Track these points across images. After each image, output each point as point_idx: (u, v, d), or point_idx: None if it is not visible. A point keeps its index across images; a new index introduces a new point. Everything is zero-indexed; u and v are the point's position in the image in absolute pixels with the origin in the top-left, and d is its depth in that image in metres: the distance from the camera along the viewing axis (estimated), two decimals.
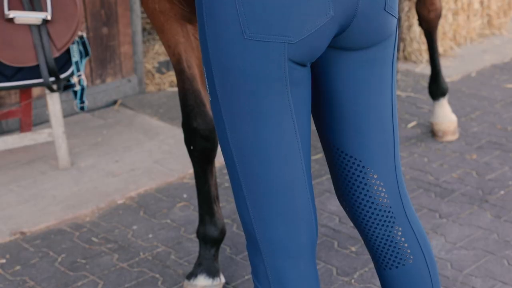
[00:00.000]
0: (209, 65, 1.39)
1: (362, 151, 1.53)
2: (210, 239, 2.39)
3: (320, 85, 1.51)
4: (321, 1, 1.32)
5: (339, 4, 1.34)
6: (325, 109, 1.53)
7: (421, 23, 3.61)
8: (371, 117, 1.51)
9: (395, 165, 1.56)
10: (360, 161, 1.53)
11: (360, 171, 1.54)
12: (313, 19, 1.33)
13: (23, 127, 3.33)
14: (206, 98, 2.27)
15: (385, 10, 1.43)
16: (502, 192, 3.07)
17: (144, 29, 5.10)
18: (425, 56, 4.84)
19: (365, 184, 1.54)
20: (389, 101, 1.53)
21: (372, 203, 1.55)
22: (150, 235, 2.79)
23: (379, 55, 1.48)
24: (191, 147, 2.30)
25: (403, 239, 1.56)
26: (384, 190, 1.55)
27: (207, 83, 1.42)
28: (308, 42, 1.34)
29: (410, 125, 3.81)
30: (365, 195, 1.55)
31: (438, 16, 3.55)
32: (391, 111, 1.53)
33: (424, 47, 4.83)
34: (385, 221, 1.56)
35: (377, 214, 1.56)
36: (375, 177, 1.54)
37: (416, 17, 4.78)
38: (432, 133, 3.65)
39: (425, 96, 4.19)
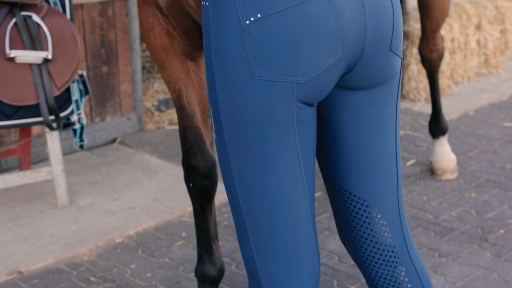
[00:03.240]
0: (216, 104, 1.39)
1: (366, 190, 1.53)
2: (208, 278, 2.37)
3: (324, 123, 1.51)
4: (329, 41, 1.33)
5: (347, 44, 1.35)
6: (328, 147, 1.53)
7: (423, 63, 3.65)
8: (375, 156, 1.51)
9: (399, 204, 1.55)
10: (363, 200, 1.53)
11: (364, 210, 1.53)
12: (321, 59, 1.34)
13: (23, 166, 3.33)
14: (206, 135, 2.27)
15: (390, 50, 1.44)
16: (501, 231, 3.06)
17: (144, 68, 5.14)
18: (423, 94, 4.87)
19: (368, 223, 1.54)
20: (393, 140, 1.53)
21: (376, 242, 1.54)
22: (149, 274, 2.78)
23: (383, 95, 1.49)
24: (191, 185, 2.30)
25: (406, 279, 1.55)
26: (387, 229, 1.54)
27: (213, 122, 1.42)
28: (316, 82, 1.35)
29: (409, 163, 3.81)
30: (369, 234, 1.54)
31: (440, 56, 3.60)
32: (394, 150, 1.53)
33: (422, 85, 4.86)
34: (388, 261, 1.55)
35: (381, 254, 1.55)
36: (379, 216, 1.53)
37: (414, 55, 4.83)
38: (431, 171, 3.65)
39: (424, 134, 4.21)
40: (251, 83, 1.33)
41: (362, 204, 1.53)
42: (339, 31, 1.33)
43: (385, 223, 1.53)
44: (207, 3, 1.37)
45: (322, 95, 1.39)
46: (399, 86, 1.52)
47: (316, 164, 1.53)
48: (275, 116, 1.35)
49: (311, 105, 1.39)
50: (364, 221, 1.54)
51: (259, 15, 1.30)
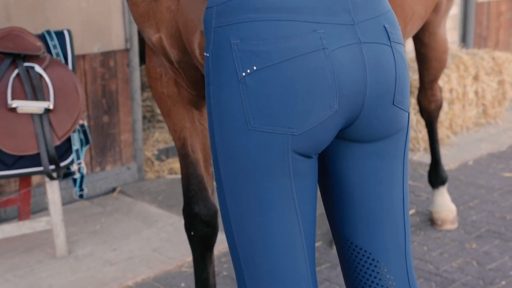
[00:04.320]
0: (215, 152, 1.41)
1: (373, 244, 1.51)
2: None
3: (330, 176, 1.51)
4: (325, 94, 1.34)
5: (344, 98, 1.36)
6: (335, 200, 1.52)
7: (422, 113, 3.68)
8: (383, 210, 1.50)
9: (406, 259, 1.53)
10: (370, 253, 1.51)
11: (370, 264, 1.52)
12: (317, 112, 1.34)
13: (22, 215, 3.32)
14: (208, 183, 2.28)
15: (394, 104, 1.43)
16: (503, 283, 3.04)
17: (144, 117, 5.17)
18: (423, 144, 4.89)
19: (375, 277, 1.52)
20: (400, 194, 1.52)
21: None
22: None
23: (389, 148, 1.47)
24: (192, 233, 2.29)
25: None
26: (394, 284, 1.52)
27: (214, 168, 1.44)
28: (312, 134, 1.35)
29: (409, 213, 3.80)
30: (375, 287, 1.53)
31: (439, 107, 3.63)
32: (402, 204, 1.52)
33: (421, 135, 4.88)
34: None
35: None
36: (385, 270, 1.51)
37: (412, 105, 4.86)
38: (431, 221, 3.64)
39: (423, 184, 4.20)
40: (246, 133, 1.34)
41: (368, 258, 1.51)
42: (336, 85, 1.34)
43: (392, 278, 1.51)
44: (208, 55, 1.39)
45: (320, 147, 1.39)
46: (406, 140, 1.50)
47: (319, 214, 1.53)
48: (270, 166, 1.35)
49: (309, 157, 1.39)
50: (370, 275, 1.52)
51: (255, 68, 1.32)
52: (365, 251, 1.51)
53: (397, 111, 1.44)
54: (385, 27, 1.42)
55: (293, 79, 1.32)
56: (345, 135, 1.44)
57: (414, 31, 2.90)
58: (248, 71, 1.32)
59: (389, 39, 1.42)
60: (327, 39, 1.33)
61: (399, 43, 1.45)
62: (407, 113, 1.48)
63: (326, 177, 1.51)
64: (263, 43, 1.32)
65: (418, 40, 3.36)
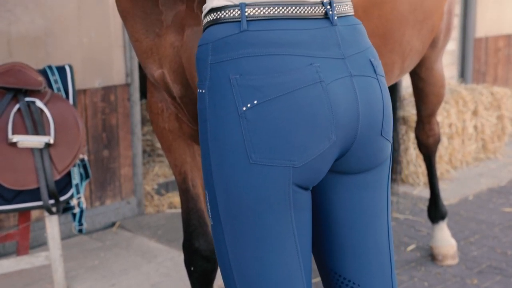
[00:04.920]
0: (212, 189, 1.40)
1: (360, 274, 1.53)
2: None
3: (316, 207, 1.53)
4: (324, 126, 1.36)
5: (341, 129, 1.39)
6: (321, 231, 1.54)
7: (420, 148, 3.68)
8: (368, 240, 1.52)
9: (393, 286, 1.55)
10: (358, 285, 1.53)
11: None
12: (317, 143, 1.36)
13: (20, 250, 3.30)
14: (208, 218, 2.27)
15: (381, 135, 1.47)
16: None
17: (144, 151, 5.18)
18: (422, 178, 4.89)
19: None
20: (385, 223, 1.55)
21: None
22: None
23: (374, 179, 1.51)
24: (192, 268, 2.28)
25: None
26: None
27: (208, 206, 1.43)
28: (312, 166, 1.37)
29: (409, 248, 3.78)
30: None
31: (437, 141, 3.64)
32: (387, 233, 1.55)
33: (421, 170, 4.88)
34: None
35: None
36: None
37: (412, 140, 4.88)
38: (431, 256, 3.62)
39: (424, 218, 4.19)
40: (248, 168, 1.35)
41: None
42: (333, 117, 1.37)
43: None
44: (203, 91, 1.40)
45: (317, 179, 1.41)
46: (389, 170, 1.54)
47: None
48: (272, 200, 1.36)
49: (307, 189, 1.41)
50: None
51: (255, 102, 1.34)
52: (353, 283, 1.53)
53: (383, 142, 1.49)
54: (370, 61, 1.47)
55: (294, 112, 1.34)
56: (335, 167, 1.46)
57: (412, 66, 2.92)
58: (249, 105, 1.34)
59: (375, 72, 1.47)
60: (323, 72, 1.36)
61: (383, 76, 1.50)
62: (391, 144, 1.52)
63: (312, 209, 1.52)
64: (263, 78, 1.34)
65: (416, 75, 3.38)
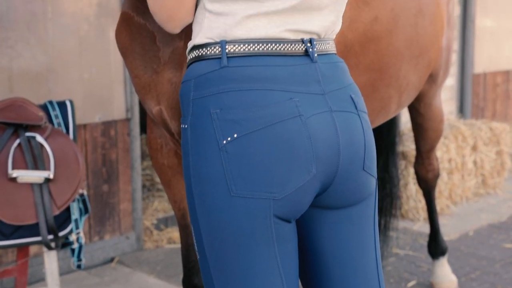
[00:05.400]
0: (196, 223, 1.42)
1: None
2: None
3: (304, 243, 1.54)
4: (304, 159, 1.38)
5: (321, 162, 1.41)
6: (309, 267, 1.55)
7: (419, 183, 3.69)
8: (357, 274, 1.53)
9: None
10: None
11: None
12: (297, 176, 1.38)
13: (18, 286, 3.28)
14: None
15: (363, 169, 1.49)
16: None
17: (144, 186, 5.17)
18: (422, 214, 4.88)
19: None
20: (373, 258, 1.55)
21: None
22: None
23: (359, 214, 1.52)
24: None
25: None
26: None
27: (195, 241, 1.45)
28: (292, 198, 1.39)
29: (410, 284, 3.76)
30: None
31: (436, 176, 3.64)
32: (376, 268, 1.55)
33: (421, 205, 4.88)
34: None
35: None
36: None
37: (411, 175, 4.88)
38: None
39: (424, 254, 4.17)
40: (229, 200, 1.37)
41: None
42: (313, 150, 1.39)
43: None
44: (186, 126, 1.43)
45: (299, 212, 1.42)
46: (375, 206, 1.56)
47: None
48: (254, 232, 1.38)
49: (289, 221, 1.42)
50: None
51: (235, 135, 1.36)
52: None
53: (366, 177, 1.50)
54: (351, 97, 1.50)
55: (273, 145, 1.36)
56: (319, 202, 1.47)
57: (409, 101, 2.94)
58: (229, 139, 1.36)
59: (356, 107, 1.50)
60: (302, 106, 1.39)
61: (364, 112, 1.53)
62: (375, 179, 1.52)
63: (299, 242, 1.53)
64: (243, 112, 1.36)
65: (415, 110, 3.40)
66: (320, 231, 1.51)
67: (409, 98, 2.90)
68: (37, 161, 3.05)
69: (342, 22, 1.89)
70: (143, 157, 5.62)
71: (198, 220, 1.41)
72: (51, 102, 3.30)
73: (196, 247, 1.44)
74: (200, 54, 1.44)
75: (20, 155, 3.04)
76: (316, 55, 1.46)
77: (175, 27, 1.51)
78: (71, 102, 3.34)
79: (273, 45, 1.41)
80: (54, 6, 3.66)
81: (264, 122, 1.36)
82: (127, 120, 4.10)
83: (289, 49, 1.43)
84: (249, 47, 1.40)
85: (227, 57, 1.40)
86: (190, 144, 1.42)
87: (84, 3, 3.77)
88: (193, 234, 1.45)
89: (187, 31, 1.58)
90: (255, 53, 1.40)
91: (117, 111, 4.04)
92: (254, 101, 1.37)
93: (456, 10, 5.96)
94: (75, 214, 3.16)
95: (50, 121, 3.24)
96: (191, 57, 1.47)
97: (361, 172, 1.48)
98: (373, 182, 1.53)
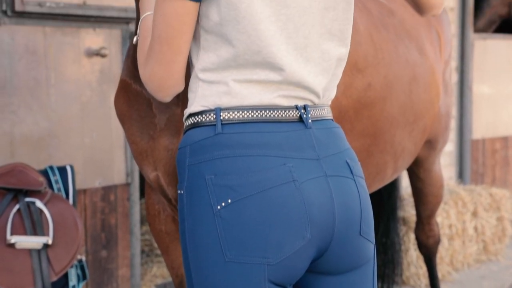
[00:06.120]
0: None
1: None
2: None
3: None
4: (298, 224, 1.39)
5: (316, 227, 1.41)
6: None
7: (420, 248, 3.67)
8: None
9: None
10: None
11: None
12: (291, 241, 1.39)
13: None
14: None
15: (360, 234, 1.48)
16: None
17: (142, 251, 5.14)
18: (424, 280, 4.83)
19: None
20: None
21: None
22: None
23: (358, 280, 1.52)
24: None
25: None
26: None
27: None
28: (287, 263, 1.39)
29: None
30: None
31: (437, 242, 3.63)
32: None
33: (422, 271, 4.83)
34: None
35: None
36: None
37: (412, 241, 4.85)
38: None
39: None
40: (223, 265, 1.37)
41: None
42: (307, 215, 1.39)
43: None
44: (182, 192, 1.45)
45: (294, 278, 1.42)
46: (374, 271, 1.55)
47: None
48: None
49: (284, 287, 1.41)
50: None
51: (230, 201, 1.38)
52: None
53: (363, 242, 1.50)
54: (347, 162, 1.52)
55: (267, 210, 1.37)
56: (316, 267, 1.47)
57: (405, 166, 2.96)
58: (223, 204, 1.38)
59: (351, 173, 1.51)
60: (297, 172, 1.41)
61: (361, 177, 1.54)
62: (373, 245, 1.52)
63: None
64: (237, 177, 1.38)
65: (414, 175, 3.41)
66: None
67: (405, 163, 2.92)
68: (36, 227, 3.05)
69: (337, 89, 1.93)
70: (142, 222, 5.60)
71: (194, 285, 1.42)
72: (51, 167, 3.33)
73: None
74: (195, 121, 1.46)
75: (19, 220, 3.05)
76: (310, 121, 1.48)
77: (165, 96, 1.53)
78: (71, 167, 3.37)
79: (267, 112, 1.44)
80: (57, 72, 3.73)
81: (258, 187, 1.38)
82: (127, 184, 4.12)
83: (283, 115, 1.45)
84: (243, 114, 1.43)
85: (222, 124, 1.42)
86: (186, 209, 1.43)
87: (86, 69, 3.84)
88: None
89: (184, 99, 1.61)
90: (249, 120, 1.43)
91: (117, 176, 4.06)
92: (248, 167, 1.39)
93: (454, 77, 6.05)
94: (72, 281, 3.15)
95: (50, 186, 3.26)
96: (187, 124, 1.50)
97: (357, 237, 1.48)
98: (371, 248, 1.52)
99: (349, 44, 1.59)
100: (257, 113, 1.43)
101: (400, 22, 2.83)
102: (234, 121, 1.43)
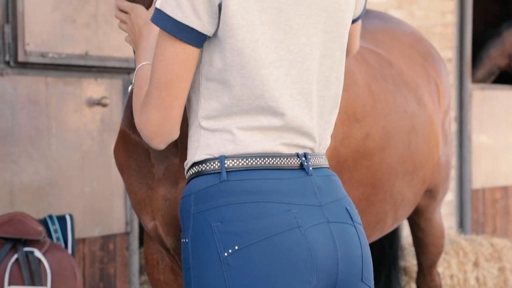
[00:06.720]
0: None
1: None
2: None
3: None
4: (304, 270, 1.40)
5: (321, 273, 1.41)
6: None
7: None
8: None
9: None
10: None
11: None
12: (298, 287, 1.39)
13: None
14: None
15: (362, 280, 1.49)
16: None
17: None
18: None
19: None
20: None
21: None
22: None
23: None
24: None
25: None
26: None
27: None
28: None
29: None
30: None
31: None
32: None
33: None
34: None
35: None
36: None
37: None
38: None
39: None
40: None
41: None
42: (313, 261, 1.40)
43: None
44: (187, 240, 1.45)
45: None
46: None
47: None
48: None
49: None
50: None
51: (236, 247, 1.38)
52: None
53: None
54: (347, 209, 1.54)
55: (273, 256, 1.38)
56: None
57: (405, 216, 2.96)
58: (230, 251, 1.38)
59: (351, 219, 1.53)
60: (301, 218, 1.42)
61: (360, 224, 1.56)
62: None
63: None
64: (243, 224, 1.39)
65: (415, 224, 3.41)
66: None
67: (405, 213, 2.91)
68: (34, 277, 3.03)
69: (335, 138, 1.96)
70: (141, 271, 5.56)
71: None
72: (50, 217, 3.33)
73: None
74: (200, 169, 1.48)
75: (17, 270, 3.03)
76: (311, 168, 1.49)
77: (160, 142, 1.54)
78: (71, 216, 3.36)
79: (270, 159, 1.46)
80: (58, 122, 3.76)
81: (264, 233, 1.39)
82: (126, 234, 4.10)
83: (285, 163, 1.47)
84: (247, 161, 1.44)
85: (226, 172, 1.43)
86: (191, 257, 1.43)
87: (87, 118, 3.87)
88: None
89: (182, 149, 1.62)
90: (253, 167, 1.44)
91: (117, 225, 4.04)
92: (254, 214, 1.40)
93: (453, 127, 6.08)
94: None
95: (49, 235, 3.25)
96: (191, 173, 1.51)
97: (359, 283, 1.49)
98: None
99: (341, 93, 1.63)
100: (261, 161, 1.45)
101: (398, 73, 2.86)
102: (238, 169, 1.44)
